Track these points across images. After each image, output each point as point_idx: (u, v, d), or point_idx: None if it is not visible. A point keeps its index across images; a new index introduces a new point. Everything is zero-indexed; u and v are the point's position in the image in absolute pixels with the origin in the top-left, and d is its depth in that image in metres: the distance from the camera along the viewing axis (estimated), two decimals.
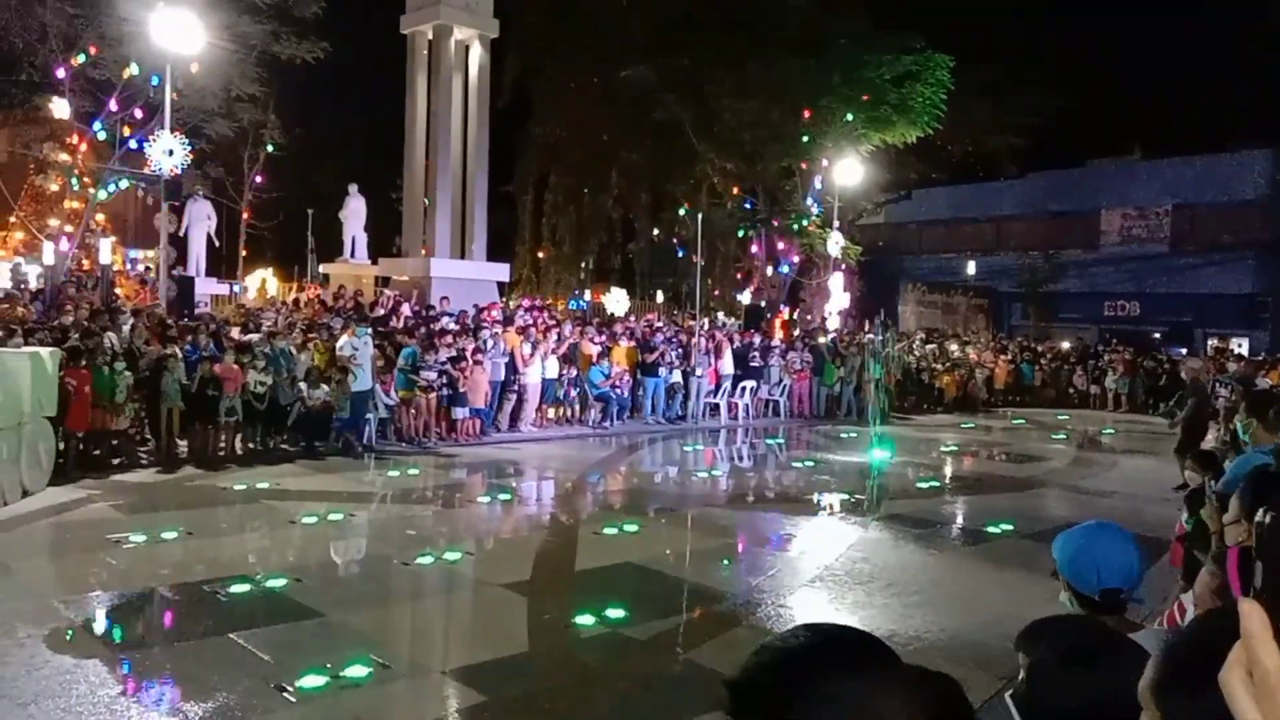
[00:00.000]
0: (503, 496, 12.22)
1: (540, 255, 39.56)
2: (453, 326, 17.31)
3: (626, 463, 15.41)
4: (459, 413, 15.95)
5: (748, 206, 31.21)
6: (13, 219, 28.78)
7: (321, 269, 28.64)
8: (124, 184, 22.98)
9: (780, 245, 30.61)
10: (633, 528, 10.29)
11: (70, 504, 10.43)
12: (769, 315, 27.40)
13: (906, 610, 7.60)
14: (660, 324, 22.94)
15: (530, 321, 19.05)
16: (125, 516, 9.95)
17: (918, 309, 40.45)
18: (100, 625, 6.82)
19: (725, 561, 9.36)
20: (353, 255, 25.40)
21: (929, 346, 26.65)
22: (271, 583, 7.73)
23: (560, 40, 32.45)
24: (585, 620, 7.10)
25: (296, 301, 22.28)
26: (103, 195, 23.38)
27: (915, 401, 24.27)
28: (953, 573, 9.05)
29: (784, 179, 30.19)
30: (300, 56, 23.17)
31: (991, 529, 10.72)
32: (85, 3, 19.84)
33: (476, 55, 23.46)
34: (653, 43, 29.62)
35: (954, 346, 27.21)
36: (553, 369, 17.56)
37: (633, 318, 24.94)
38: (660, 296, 36.23)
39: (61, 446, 11.71)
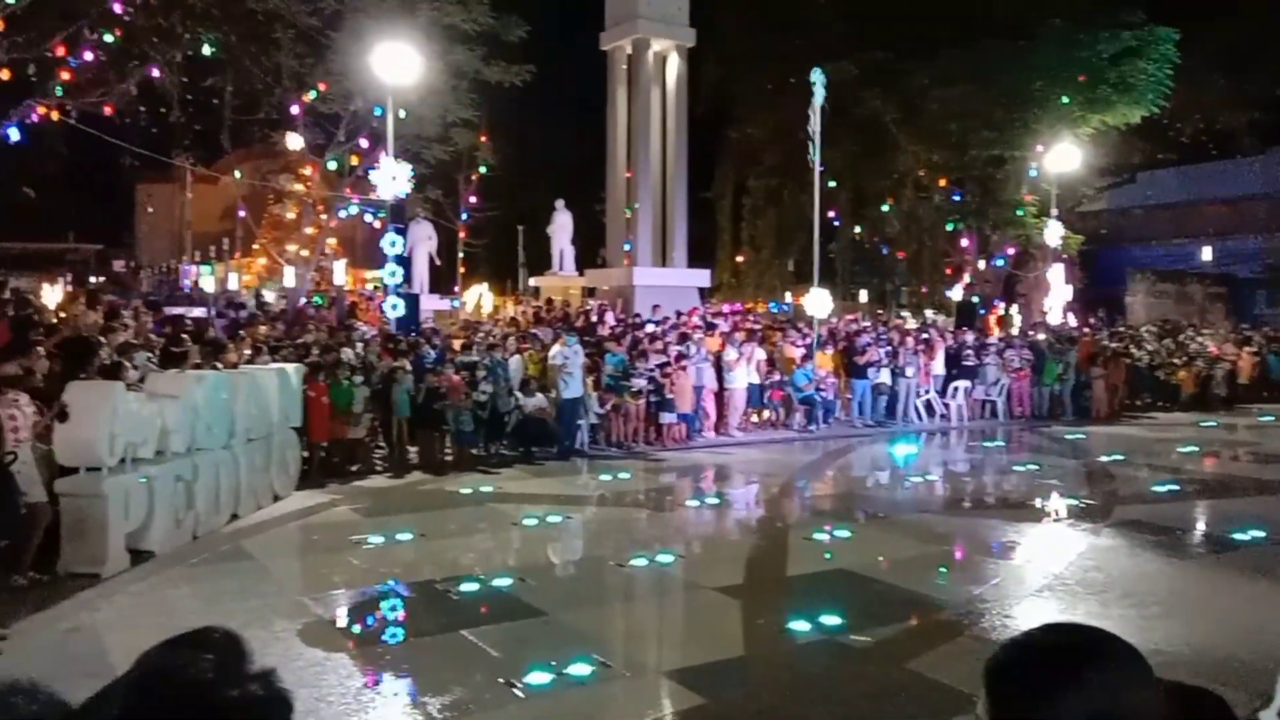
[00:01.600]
0: (711, 500, 12.31)
1: (739, 259, 39.63)
2: (655, 332, 17.60)
3: (835, 467, 15.17)
4: (666, 418, 16.19)
5: (956, 199, 30.10)
6: (256, 246, 31.59)
7: (531, 282, 29.80)
8: (353, 209, 24.70)
9: (993, 237, 29.36)
10: (844, 533, 10.13)
11: (315, 508, 11.30)
12: (983, 311, 26.31)
13: (1146, 623, 7.11)
14: (866, 323, 22.49)
15: (732, 326, 19.11)
16: (364, 519, 10.69)
17: (1148, 300, 37.75)
18: (345, 621, 7.34)
19: (943, 569, 9.05)
20: (561, 268, 26.27)
21: (1164, 341, 24.80)
22: (498, 582, 8.10)
23: (757, 44, 32.43)
24: (800, 626, 7.05)
25: (503, 314, 23.24)
26: (335, 221, 25.22)
27: (1150, 399, 22.66)
28: (1196, 583, 8.40)
29: (995, 168, 28.94)
30: (509, 80, 24.21)
31: (1239, 536, 9.87)
32: (314, 43, 21.49)
33: (674, 65, 23.78)
34: (852, 38, 29.12)
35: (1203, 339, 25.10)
36: (756, 373, 17.55)
37: (835, 319, 24.56)
38: (864, 296, 35.50)
39: (306, 454, 12.71)
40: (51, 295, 18.78)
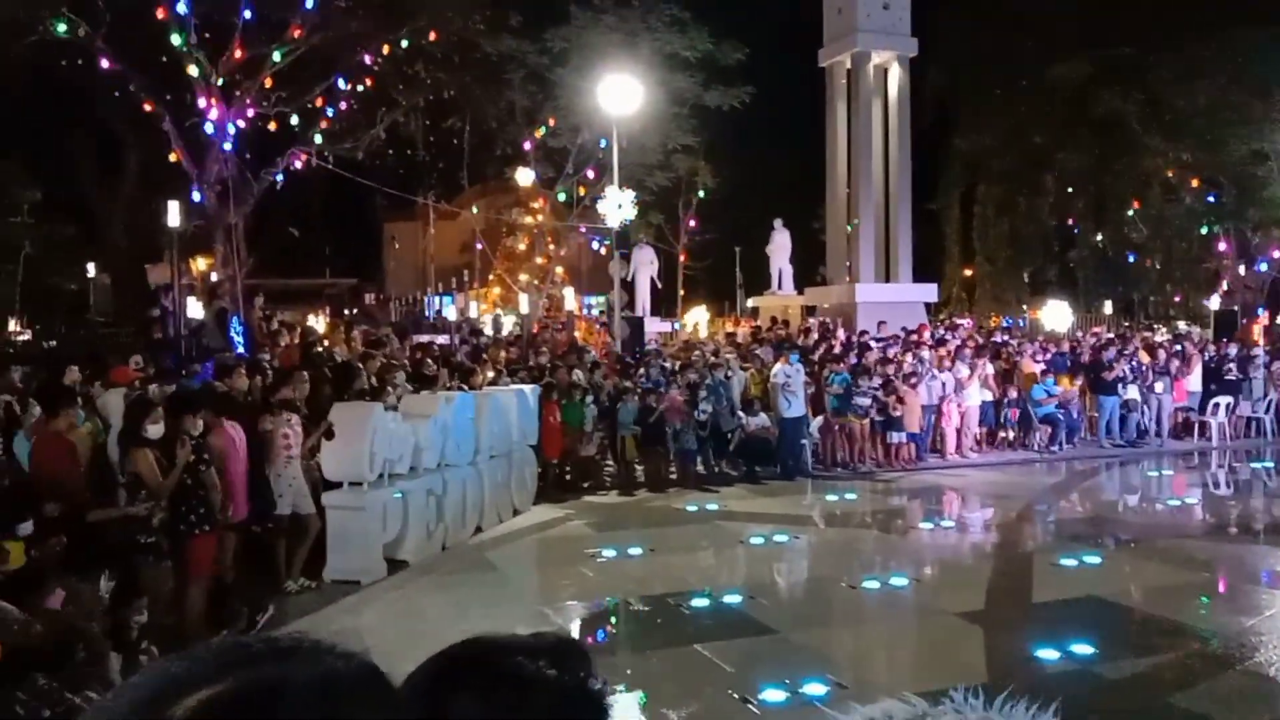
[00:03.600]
0: (945, 523, 11.87)
1: (969, 272, 38.17)
2: (880, 349, 17.20)
3: (1080, 489, 14.27)
4: (894, 437, 15.76)
5: (1211, 200, 27.78)
6: (491, 276, 33.37)
7: (749, 302, 29.86)
8: (580, 238, 25.68)
9: (1255, 240, 26.88)
10: (1093, 559, 9.52)
11: (551, 522, 11.77)
12: (1244, 321, 24.10)
13: None
14: (1110, 336, 21.08)
15: (962, 342, 18.41)
16: (596, 533, 11.02)
17: None
18: (582, 631, 7.60)
19: (1205, 599, 8.34)
20: (780, 287, 26.18)
21: None
22: (728, 599, 8.15)
23: (984, 48, 31.26)
24: (1049, 654, 6.69)
25: (720, 334, 23.42)
26: (565, 250, 26.29)
27: None
28: None
29: (1254, 164, 26.52)
30: (728, 103, 24.48)
31: None
32: (544, 81, 22.56)
33: (895, 76, 23.29)
34: (1087, 35, 27.57)
35: None
36: (989, 390, 16.79)
37: (1079, 333, 23.18)
38: (1108, 307, 33.31)
39: (541, 471, 13.26)
40: (315, 326, 20.54)
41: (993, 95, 32.56)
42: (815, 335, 19.89)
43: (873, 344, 18.07)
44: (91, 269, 31.54)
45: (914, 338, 18.72)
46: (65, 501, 6.80)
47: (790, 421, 14.90)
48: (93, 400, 8.79)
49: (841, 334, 19.50)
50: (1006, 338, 20.80)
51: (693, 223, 32.71)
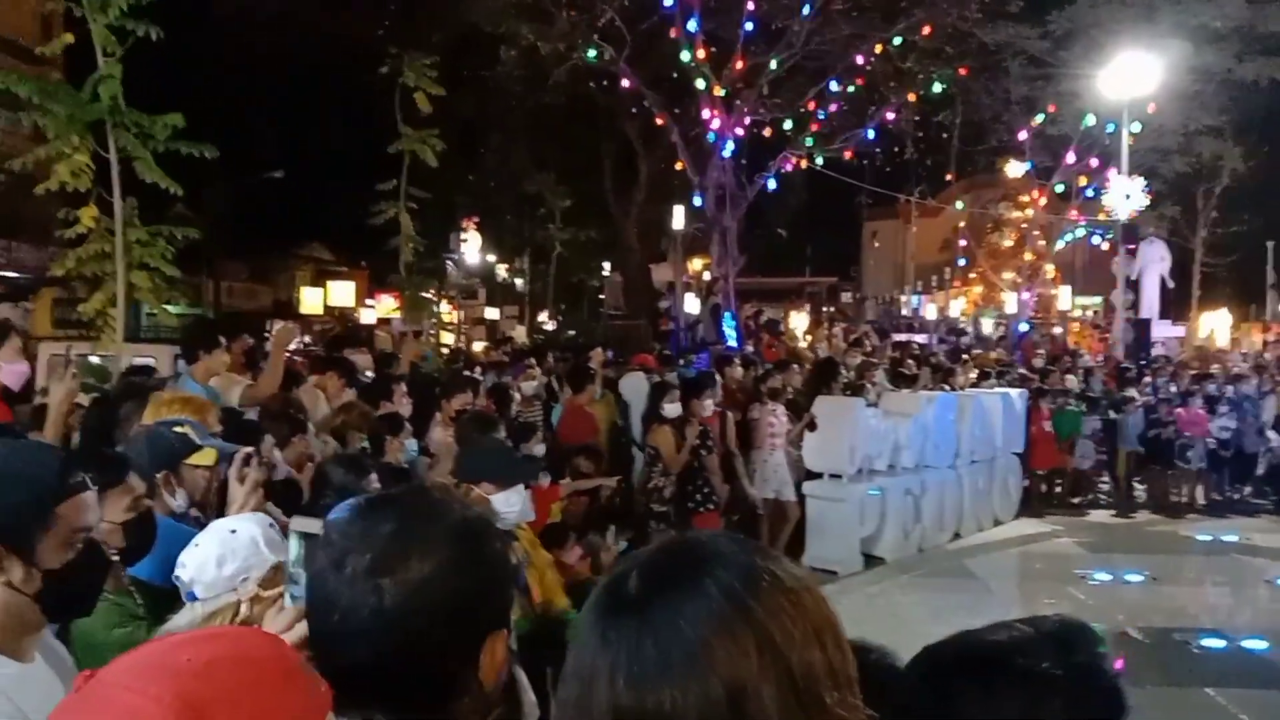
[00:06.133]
0: None
1: None
2: None
3: None
4: None
5: None
6: (972, 274, 32.22)
7: None
8: (1079, 233, 23.84)
9: None
10: None
11: (1036, 536, 11.12)
12: None
13: None
14: None
15: None
16: (1087, 554, 10.26)
17: None
18: None
19: None
20: None
21: None
22: (1248, 643, 7.19)
23: None
24: None
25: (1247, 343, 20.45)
26: (1060, 245, 24.59)
27: None
28: None
29: None
30: (1267, 76, 21.24)
31: None
32: (1043, 65, 21.19)
33: None
34: None
35: None
36: None
37: None
38: None
39: (1026, 482, 12.54)
40: (798, 323, 21.32)
41: None
42: None
43: None
44: (606, 267, 35.44)
45: None
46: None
47: None
48: (613, 381, 9.89)
49: None
50: None
51: (1215, 213, 28.90)
